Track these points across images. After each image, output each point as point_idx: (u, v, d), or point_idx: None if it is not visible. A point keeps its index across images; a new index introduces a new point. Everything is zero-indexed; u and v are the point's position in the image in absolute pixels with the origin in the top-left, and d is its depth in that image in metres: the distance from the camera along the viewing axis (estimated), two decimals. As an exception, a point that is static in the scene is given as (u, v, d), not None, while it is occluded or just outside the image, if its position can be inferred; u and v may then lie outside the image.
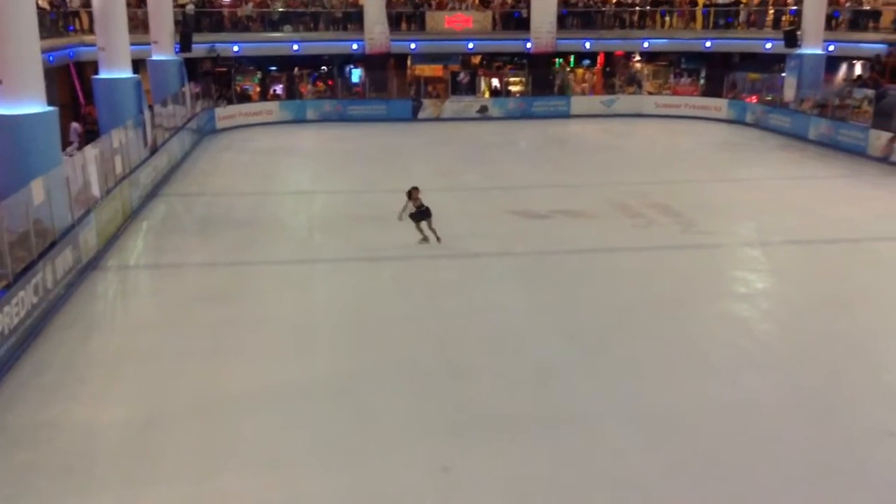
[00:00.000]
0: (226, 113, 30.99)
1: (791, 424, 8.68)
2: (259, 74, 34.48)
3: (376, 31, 32.86)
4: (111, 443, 8.39)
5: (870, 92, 25.55)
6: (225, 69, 33.07)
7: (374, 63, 33.52)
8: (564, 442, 8.30)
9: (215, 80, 32.17)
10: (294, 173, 23.16)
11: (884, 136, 23.49)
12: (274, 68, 34.56)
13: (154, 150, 20.71)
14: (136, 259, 15.35)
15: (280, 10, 33.98)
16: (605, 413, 8.93)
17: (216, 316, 11.84)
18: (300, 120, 32.45)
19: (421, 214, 14.74)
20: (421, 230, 14.88)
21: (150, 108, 22.25)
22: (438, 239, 14.92)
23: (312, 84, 34.59)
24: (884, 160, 23.23)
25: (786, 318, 12.13)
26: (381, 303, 12.42)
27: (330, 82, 34.64)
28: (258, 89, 34.20)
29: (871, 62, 27.72)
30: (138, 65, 23.75)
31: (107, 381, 9.83)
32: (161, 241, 16.25)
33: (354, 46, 33.29)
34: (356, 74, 34.99)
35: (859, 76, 29.38)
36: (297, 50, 32.86)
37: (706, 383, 9.67)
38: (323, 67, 35.00)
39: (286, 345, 10.84)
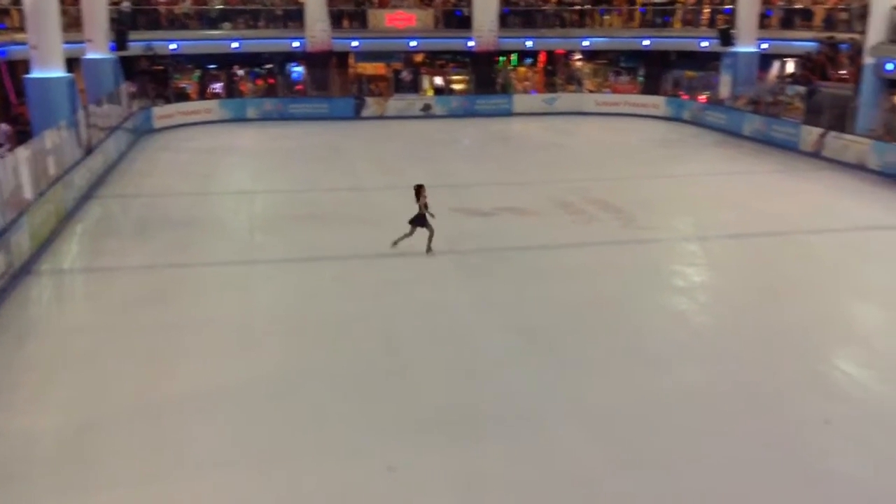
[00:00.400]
0: (163, 112, 30.38)
1: (730, 415, 8.88)
2: (198, 73, 33.88)
3: (317, 29, 32.61)
4: (51, 449, 8.15)
5: (801, 89, 26.35)
6: (162, 67, 32.45)
7: (316, 61, 33.26)
8: (511, 438, 8.35)
9: (152, 79, 31.54)
10: (234, 173, 22.83)
11: (815, 132, 24.25)
12: (213, 66, 34.00)
13: (89, 151, 20.18)
14: (71, 262, 14.94)
15: (219, 7, 33.48)
16: (551, 408, 9.01)
17: (155, 319, 11.60)
18: (240, 119, 32.03)
19: (420, 220, 14.10)
20: (407, 235, 14.22)
21: (85, 107, 21.69)
22: (400, 236, 14.32)
23: (253, 82, 34.14)
24: (815, 155, 23.96)
25: (723, 311, 12.42)
26: (325, 303, 12.32)
27: (271, 80, 34.24)
28: (197, 88, 33.60)
29: (803, 60, 28.54)
30: (72, 63, 23.13)
31: (43, 387, 9.55)
32: (97, 244, 15.84)
33: (295, 44, 32.97)
34: (297, 72, 34.64)
35: (791, 73, 30.23)
36: (236, 48, 32.41)
37: (647, 376, 9.83)
38: (265, 66, 34.55)
39: (228, 346, 10.68)
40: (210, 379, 9.67)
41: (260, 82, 34.25)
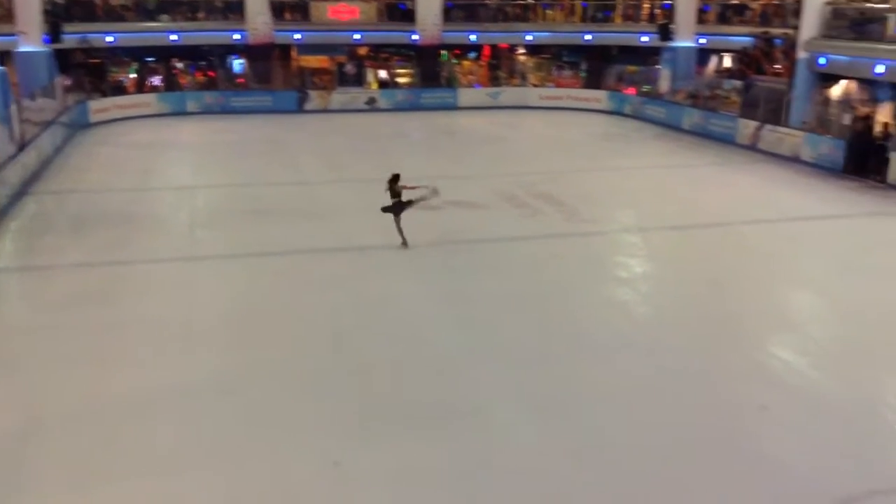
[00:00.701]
0: (100, 106, 29.63)
1: (670, 402, 9.08)
2: (135, 66, 33.12)
3: (259, 21, 32.18)
4: (-17, 456, 7.93)
5: (738, 83, 26.97)
6: (98, 60, 31.64)
7: (258, 54, 32.83)
8: (458, 431, 8.40)
9: (88, 72, 30.73)
10: (174, 168, 22.40)
11: (751, 125, 24.87)
12: (151, 59, 33.27)
13: (22, 147, 19.59)
14: (5, 261, 14.49)
15: (156, -2, 32.78)
16: (498, 400, 9.10)
17: (93, 318, 11.34)
18: (180, 112, 31.44)
19: (397, 207, 14.09)
20: (398, 225, 14.25)
21: (18, 102, 21.03)
22: (404, 242, 14.32)
23: (192, 75, 33.52)
24: (751, 148, 24.59)
25: (664, 301, 12.68)
26: (270, 299, 12.20)
27: (211, 73, 33.66)
28: (134, 81, 32.85)
29: (739, 54, 29.22)
30: (4, 57, 22.46)
31: (-26, 392, 9.26)
32: (32, 242, 15.38)
33: (236, 36, 32.47)
34: (239, 65, 34.14)
35: (728, 68, 30.93)
36: (175, 40, 31.76)
37: (591, 366, 10.00)
38: (205, 59, 33.95)
39: (169, 345, 10.49)
40: (153, 379, 9.50)
41: (200, 75, 33.64)
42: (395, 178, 14.21)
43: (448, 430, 8.40)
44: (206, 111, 31.72)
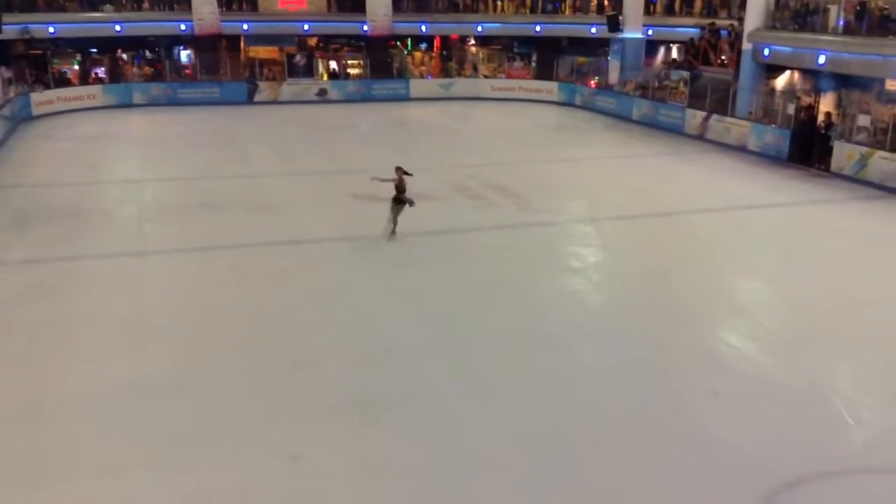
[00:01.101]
0: (42, 98, 28.83)
1: (623, 389, 9.21)
2: (79, 57, 32.30)
3: (205, 11, 31.66)
4: (-78, 460, 7.67)
5: (685, 74, 27.38)
6: (40, 52, 30.77)
7: (205, 44, 32.29)
8: (414, 421, 8.40)
9: (30, 64, 29.89)
10: (121, 161, 21.91)
11: (699, 115, 25.29)
12: (95, 50, 32.49)
13: (-40, 140, 18.98)
14: (-56, 259, 14.03)
15: (99, -13, 31.99)
16: (453, 389, 9.12)
17: (39, 316, 11.04)
18: (126, 104, 30.82)
19: (399, 201, 14.06)
20: (394, 219, 14.22)
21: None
22: (394, 232, 14.30)
23: (138, 66, 32.82)
24: (699, 137, 25.01)
25: (616, 289, 12.84)
26: (220, 293, 12.02)
27: (158, 65, 33.01)
28: (78, 73, 32.04)
29: (686, 45, 29.65)
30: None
31: (-86, 394, 8.95)
32: (-28, 239, 14.93)
33: (182, 27, 31.92)
34: (186, 56, 33.53)
35: (676, 59, 31.37)
36: (119, 31, 31.11)
37: (544, 354, 10.07)
38: (151, 49, 33.28)
39: (118, 343, 10.28)
40: (102, 377, 9.30)
41: (146, 67, 32.95)
42: (399, 169, 14.14)
43: (404, 421, 8.39)
44: (153, 103, 31.13)
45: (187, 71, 33.29)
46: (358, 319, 11.11)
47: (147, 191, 18.37)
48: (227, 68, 33.03)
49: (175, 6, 32.33)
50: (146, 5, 32.21)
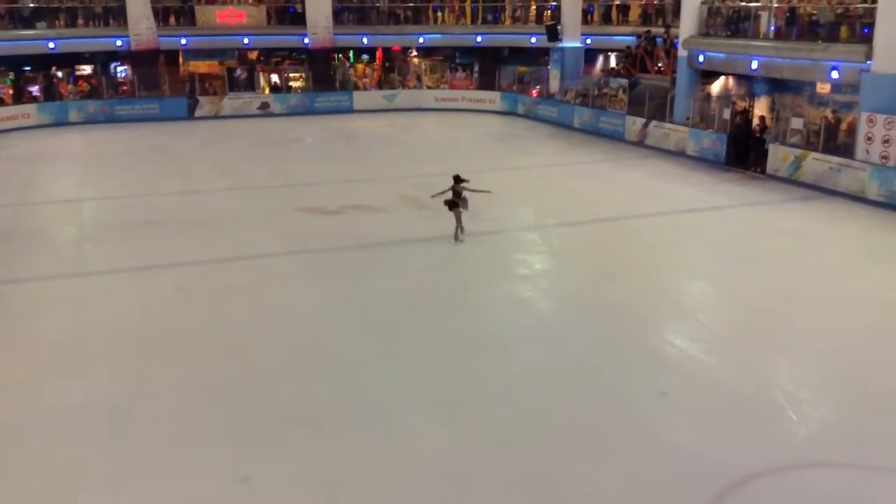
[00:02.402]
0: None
1: (573, 392, 9.31)
2: (11, 75, 31.44)
3: (142, 27, 31.13)
4: None
5: (624, 81, 27.86)
6: (-30, 70, 29.90)
7: (143, 60, 31.75)
8: (366, 433, 8.35)
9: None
10: (58, 180, 21.38)
11: (638, 122, 25.77)
12: (28, 68, 31.68)
13: None
14: None
15: (31, 5, 31.19)
16: (404, 399, 9.11)
17: (-25, 342, 10.70)
18: (62, 123, 30.13)
19: (453, 204, 14.84)
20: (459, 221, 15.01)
21: None
22: (461, 232, 15.04)
23: (74, 84, 32.09)
24: (640, 143, 25.48)
25: (564, 295, 12.99)
26: (165, 313, 11.79)
27: (94, 81, 32.33)
28: (11, 92, 31.17)
29: (624, 53, 30.21)
30: None
31: None
32: None
33: (119, 43, 31.32)
34: (122, 72, 32.91)
35: (614, 67, 31.93)
36: (53, 48, 30.41)
37: (494, 361, 10.13)
38: (86, 66, 32.57)
39: (58, 366, 10.01)
40: (43, 402, 9.05)
41: (82, 84, 32.24)
42: (457, 179, 14.92)
43: (355, 435, 8.34)
44: (90, 121, 30.49)
45: (125, 87, 32.67)
46: (306, 333, 11.02)
47: (86, 210, 17.96)
48: (166, 84, 32.52)
49: (110, 22, 31.71)
50: (80, 22, 31.52)
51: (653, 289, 12.90)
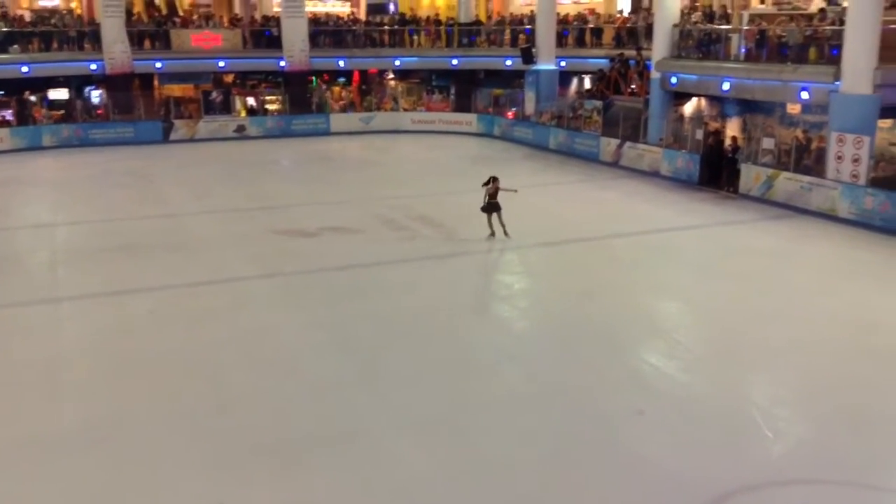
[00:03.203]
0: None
1: (551, 412, 9.31)
2: (-17, 100, 31.16)
3: (117, 51, 31.00)
4: None
5: (598, 103, 28.15)
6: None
7: (117, 84, 31.57)
8: (345, 458, 8.29)
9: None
10: (31, 205, 21.15)
11: (613, 143, 26.01)
12: (1, 92, 31.40)
13: None
14: None
15: (5, 29, 31.00)
16: (382, 423, 9.05)
17: (-55, 370, 10.51)
18: (35, 147, 29.86)
19: (490, 207, 16.07)
20: (490, 223, 16.20)
21: None
22: (506, 233, 16.18)
23: (47, 108, 31.85)
24: (614, 164, 25.70)
25: (541, 315, 13.02)
26: (140, 339, 11.65)
27: (70, 104, 32.12)
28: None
29: (597, 75, 30.55)
30: None
31: None
32: None
33: (93, 67, 31.16)
34: (97, 96, 32.73)
35: (588, 89, 32.26)
36: (27, 72, 30.17)
37: (472, 383, 10.12)
38: (61, 90, 32.33)
39: (29, 395, 9.84)
40: (13, 431, 8.89)
41: (56, 108, 31.99)
42: (494, 179, 16.17)
43: (333, 461, 8.27)
44: (64, 145, 30.24)
45: (99, 111, 32.47)
46: (282, 357, 10.95)
47: (59, 235, 17.78)
48: (140, 107, 32.37)
49: (85, 46, 31.57)
50: (55, 45, 31.36)
51: (629, 308, 12.98)
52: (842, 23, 19.08)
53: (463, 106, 35.11)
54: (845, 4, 19.95)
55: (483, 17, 38.60)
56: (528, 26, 33.63)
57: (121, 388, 10.00)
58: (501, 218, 16.17)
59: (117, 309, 12.98)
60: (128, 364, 10.74)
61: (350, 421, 9.10)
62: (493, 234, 16.36)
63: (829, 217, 18.19)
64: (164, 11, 37.03)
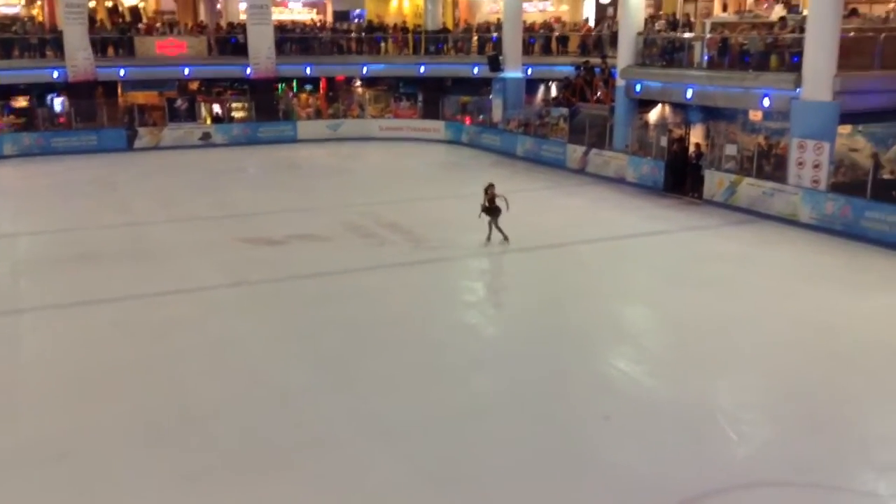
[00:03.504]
0: None
1: (519, 418, 9.34)
2: (-59, 108, 30.56)
3: (79, 58, 30.57)
4: None
5: (564, 110, 28.34)
6: None
7: (80, 91, 31.12)
8: (316, 466, 8.24)
9: None
10: (-9, 215, 20.77)
11: (579, 150, 26.19)
12: (-40, 101, 30.86)
13: None
14: None
15: (-36, 36, 30.47)
16: (351, 431, 9.01)
17: None
18: (-5, 156, 29.32)
19: (490, 211, 16.29)
20: (490, 227, 16.45)
21: None
22: (505, 238, 16.38)
23: (7, 116, 31.29)
24: (581, 171, 25.88)
25: (510, 321, 13.06)
26: (101, 350, 11.46)
27: (31, 111, 31.60)
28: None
29: (563, 83, 30.76)
30: None
31: None
32: None
33: (55, 74, 30.70)
34: (59, 104, 32.24)
35: (555, 96, 32.48)
36: (-14, 80, 29.64)
37: (441, 389, 10.12)
38: (21, 97, 31.81)
39: (-8, 408, 9.66)
40: (-28, 445, 8.70)
41: (15, 116, 31.44)
42: (491, 186, 16.31)
43: (305, 468, 8.22)
44: (25, 153, 29.71)
45: (61, 119, 31.96)
46: (251, 366, 10.85)
47: (20, 245, 17.46)
48: (104, 115, 31.94)
49: (47, 53, 31.10)
50: (16, 53, 30.85)
51: (596, 313, 13.07)
52: (802, 31, 19.41)
53: (431, 113, 35.14)
54: (806, 13, 20.31)
55: (450, 25, 38.73)
56: (494, 34, 33.78)
57: (83, 401, 9.84)
58: (498, 223, 16.43)
59: (80, 320, 12.78)
60: (91, 376, 10.56)
61: (320, 429, 9.04)
62: (489, 239, 16.66)
63: (791, 222, 18.47)
64: (128, 18, 36.65)
